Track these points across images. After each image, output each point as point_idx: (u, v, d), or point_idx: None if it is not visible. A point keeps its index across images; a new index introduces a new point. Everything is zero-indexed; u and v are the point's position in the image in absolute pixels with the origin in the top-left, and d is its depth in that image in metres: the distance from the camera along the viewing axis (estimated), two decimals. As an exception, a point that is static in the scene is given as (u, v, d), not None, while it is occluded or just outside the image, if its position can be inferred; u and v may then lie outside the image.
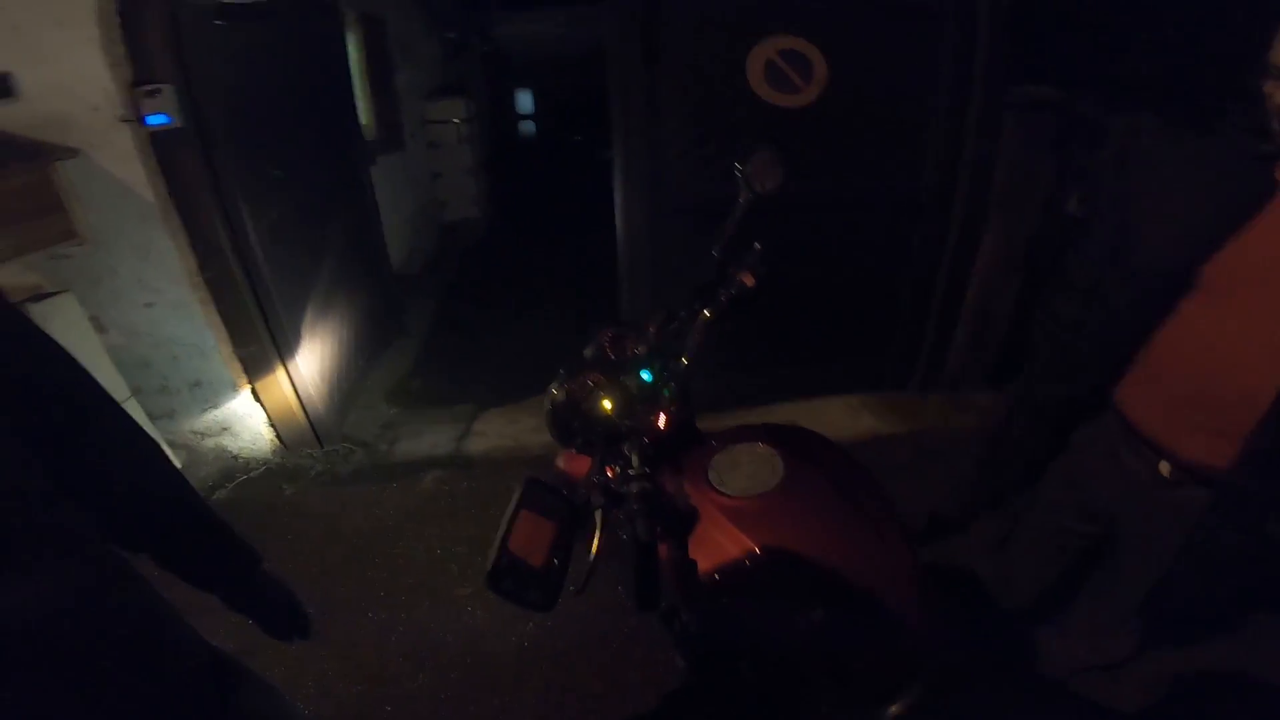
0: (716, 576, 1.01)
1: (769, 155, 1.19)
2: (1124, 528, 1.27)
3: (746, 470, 1.10)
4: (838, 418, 3.21)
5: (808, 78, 2.59)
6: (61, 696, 0.60)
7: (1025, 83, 2.74)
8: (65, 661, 0.61)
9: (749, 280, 1.16)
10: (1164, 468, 1.14)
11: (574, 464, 1.29)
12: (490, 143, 7.38)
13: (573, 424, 1.17)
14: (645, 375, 1.16)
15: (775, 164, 1.20)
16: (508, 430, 3.13)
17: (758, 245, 1.22)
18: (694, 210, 2.59)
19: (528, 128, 10.49)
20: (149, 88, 2.18)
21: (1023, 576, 1.48)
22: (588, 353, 1.22)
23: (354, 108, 3.74)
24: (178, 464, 2.71)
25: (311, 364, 2.88)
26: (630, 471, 0.98)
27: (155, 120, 2.22)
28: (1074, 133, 2.76)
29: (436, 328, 4.34)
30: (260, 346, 2.60)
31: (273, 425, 2.84)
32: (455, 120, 5.99)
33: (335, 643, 2.07)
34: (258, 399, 2.76)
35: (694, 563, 1.03)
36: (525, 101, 10.34)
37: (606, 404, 1.15)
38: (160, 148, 2.27)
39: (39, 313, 2.25)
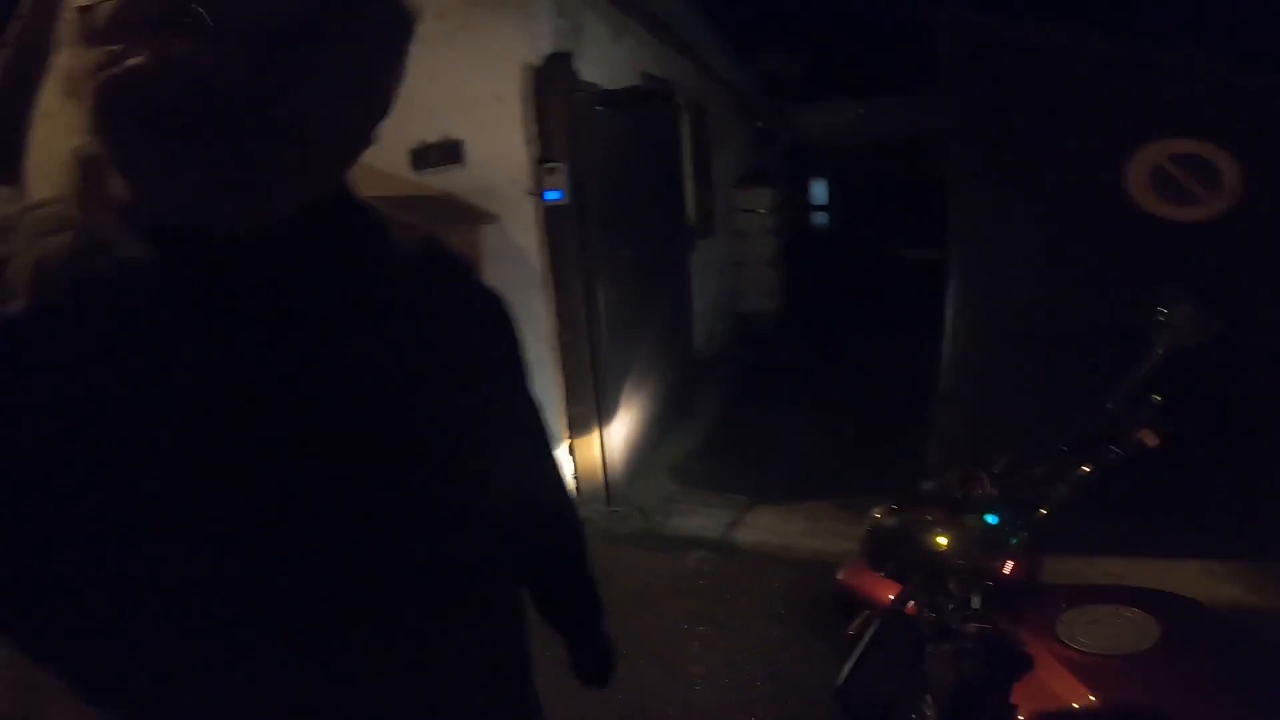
0: None
1: (1196, 308, 1.16)
2: None
3: (1107, 629, 1.07)
4: (1190, 582, 2.71)
5: (1213, 187, 2.37)
6: None
7: None
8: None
9: (1150, 440, 1.11)
10: None
11: (863, 582, 1.35)
12: (789, 234, 7.71)
13: (897, 551, 1.23)
14: (991, 519, 1.19)
15: (1205, 317, 1.16)
16: (778, 528, 3.24)
17: (1157, 398, 1.17)
18: (1045, 338, 2.44)
19: (820, 219, 10.72)
20: (550, 164, 2.72)
21: None
22: (926, 486, 1.29)
23: (683, 194, 4.23)
24: None
25: (620, 430, 3.32)
26: (969, 611, 1.02)
27: (551, 196, 2.74)
28: None
29: (722, 412, 4.67)
30: (586, 407, 3.08)
31: (575, 478, 3.31)
32: (761, 210, 6.38)
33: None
34: (570, 453, 3.24)
35: (1014, 708, 1.03)
36: (819, 192, 10.63)
37: (941, 540, 1.20)
38: (549, 221, 2.80)
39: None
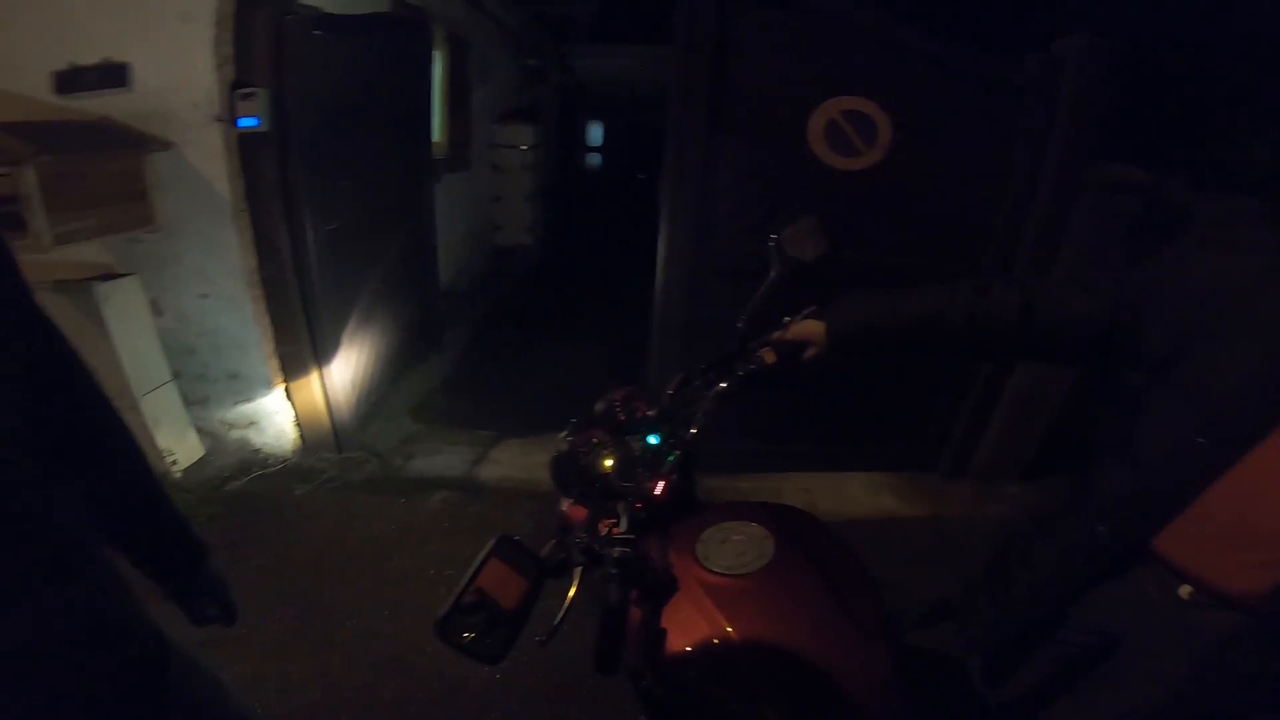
0: (685, 650, 1.02)
1: (812, 223, 1.20)
2: (1129, 646, 1.21)
3: (735, 548, 1.10)
4: (858, 494, 3.17)
5: (870, 141, 2.58)
6: None
7: (1107, 162, 2.66)
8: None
9: (770, 357, 1.17)
10: (1185, 591, 1.09)
11: (575, 512, 1.32)
12: (554, 172, 7.58)
13: (571, 477, 1.20)
14: (652, 439, 1.18)
15: (818, 232, 1.20)
16: (522, 462, 3.19)
17: (788, 319, 1.24)
18: (738, 274, 2.53)
19: (594, 160, 10.72)
20: (246, 90, 2.36)
21: (1012, 679, 1.42)
22: (598, 407, 1.26)
23: (430, 126, 3.91)
24: (202, 450, 2.88)
25: (345, 370, 3.01)
26: (615, 535, 1.00)
27: (245, 122, 2.39)
28: (1154, 218, 2.67)
29: (471, 349, 4.48)
30: (299, 347, 2.75)
31: (298, 425, 2.97)
32: (522, 146, 6.19)
33: (309, 646, 2.12)
34: (288, 398, 2.89)
35: (664, 632, 1.04)
36: (595, 134, 10.59)
37: (607, 462, 1.17)
38: (245, 149, 2.44)
39: (106, 292, 2.43)
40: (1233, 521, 1.03)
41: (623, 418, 1.22)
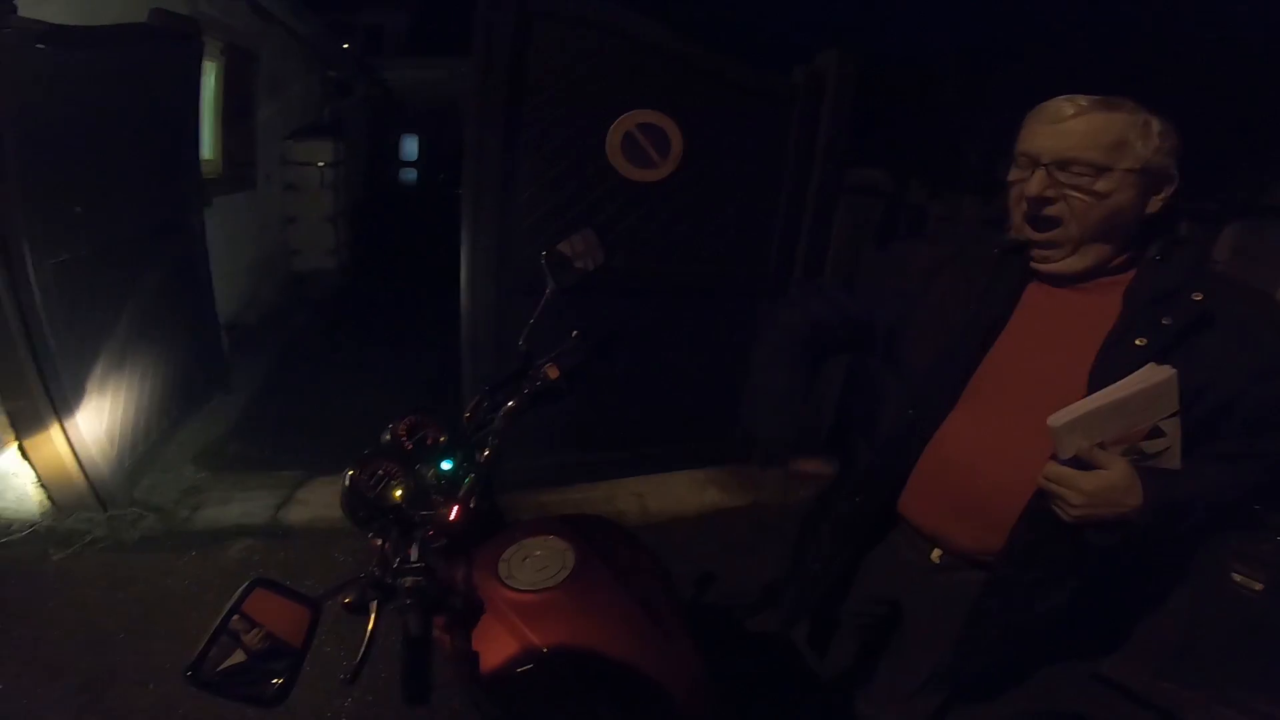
0: (501, 669, 1.00)
1: (588, 236, 1.23)
2: (906, 609, 1.35)
3: (536, 563, 1.09)
4: (684, 492, 3.27)
5: (664, 153, 2.66)
6: None
7: (859, 168, 2.95)
8: None
9: (553, 373, 1.19)
10: (935, 555, 1.23)
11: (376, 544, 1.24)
12: (362, 189, 7.13)
13: (360, 512, 1.12)
14: (446, 465, 1.14)
15: (594, 246, 1.23)
16: (335, 501, 2.89)
17: (575, 333, 1.26)
18: (541, 289, 2.57)
19: (409, 175, 10.23)
20: None
21: (833, 651, 1.57)
22: (384, 438, 1.19)
23: (195, 143, 3.49)
24: None
25: (97, 421, 2.56)
26: (407, 566, 0.95)
27: None
28: (897, 219, 3.02)
29: (267, 386, 4.02)
30: (30, 400, 2.29)
31: (43, 485, 2.49)
32: (320, 163, 5.75)
33: (107, 715, 1.86)
34: (25, 456, 2.41)
35: (477, 655, 1.01)
36: (410, 147, 10.11)
37: (396, 493, 1.11)
38: None
39: None
40: (954, 491, 1.17)
41: (409, 447, 1.16)
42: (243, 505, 2.84)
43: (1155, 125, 0.98)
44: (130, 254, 2.84)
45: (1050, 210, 1.01)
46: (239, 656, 0.79)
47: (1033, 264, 1.09)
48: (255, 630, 0.81)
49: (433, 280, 6.02)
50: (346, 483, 1.11)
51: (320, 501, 2.91)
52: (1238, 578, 1.97)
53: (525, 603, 1.03)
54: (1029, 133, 1.04)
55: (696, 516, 3.09)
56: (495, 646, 1.01)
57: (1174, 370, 0.91)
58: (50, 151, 2.29)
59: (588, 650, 1.00)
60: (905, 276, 1.24)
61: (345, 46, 7.41)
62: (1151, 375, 0.91)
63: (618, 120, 2.59)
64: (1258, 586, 1.95)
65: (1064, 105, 1.00)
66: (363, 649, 0.87)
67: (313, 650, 0.82)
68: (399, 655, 0.90)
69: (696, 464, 3.41)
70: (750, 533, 2.99)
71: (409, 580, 0.92)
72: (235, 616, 0.80)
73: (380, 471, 1.12)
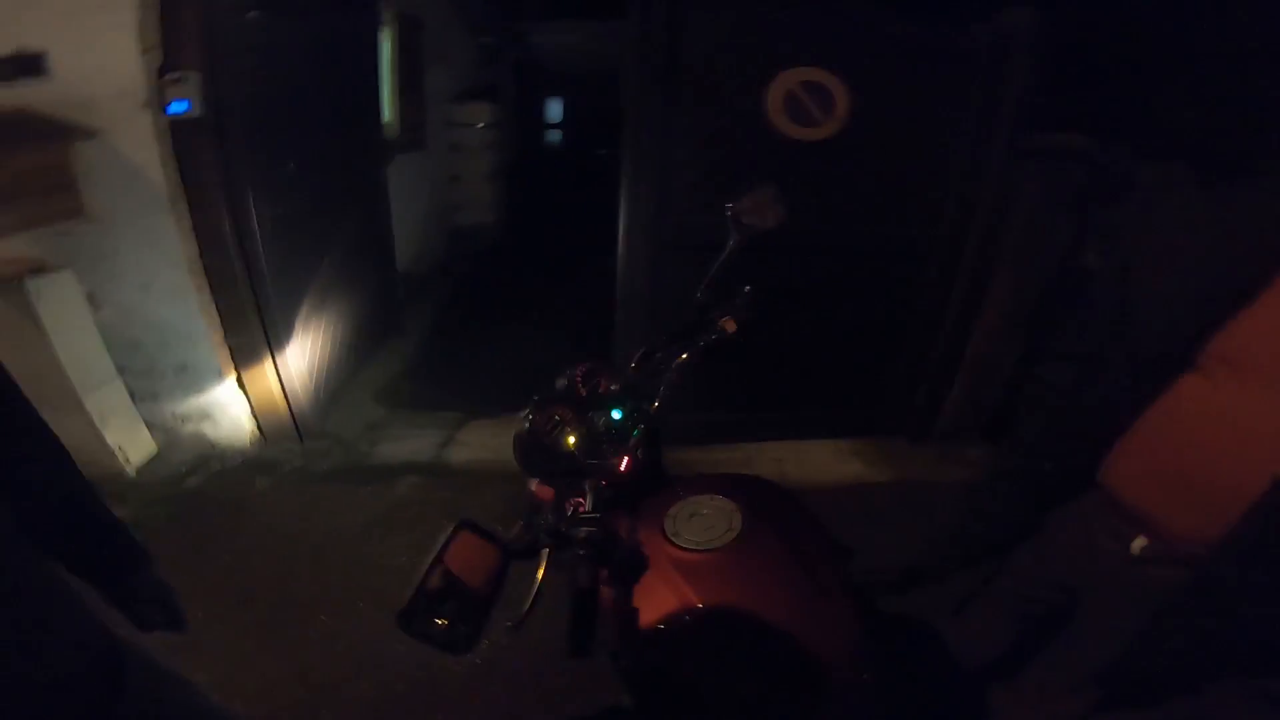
0: (658, 628, 0.99)
1: (770, 192, 1.18)
2: (1088, 600, 1.24)
3: (703, 522, 1.08)
4: (826, 461, 3.17)
5: (828, 111, 2.54)
6: None
7: (1051, 130, 2.67)
8: None
9: (730, 326, 1.15)
10: (1137, 545, 1.11)
11: (543, 492, 1.28)
12: (514, 150, 7.39)
13: (535, 457, 1.15)
14: (616, 414, 1.14)
15: (775, 202, 1.18)
16: (491, 443, 3.11)
17: (748, 289, 1.22)
18: (700, 246, 2.54)
19: (554, 137, 10.52)
20: (174, 75, 2.21)
21: (982, 638, 1.46)
22: (559, 384, 1.21)
23: (379, 106, 3.76)
24: (156, 447, 2.75)
25: (301, 357, 2.88)
26: (581, 515, 0.96)
27: (176, 108, 2.25)
28: (1098, 184, 2.69)
29: (435, 331, 4.35)
30: (250, 336, 2.61)
31: (254, 416, 2.84)
32: (479, 124, 6.02)
33: (282, 644, 2.05)
34: (242, 388, 2.76)
35: (636, 611, 1.01)
36: (554, 110, 10.37)
37: (570, 440, 1.12)
38: (177, 135, 2.29)
39: (38, 288, 2.27)
40: (1174, 464, 1.05)
41: (584, 393, 1.17)
42: (412, 443, 3.10)
43: None
44: (329, 207, 3.14)
45: None
46: (439, 601, 0.82)
47: None
48: (454, 575, 0.84)
49: (582, 237, 6.24)
50: (526, 425, 1.13)
51: (478, 443, 3.11)
52: None
53: (691, 561, 1.02)
54: None
55: (836, 487, 2.99)
56: (656, 603, 1.00)
57: None
58: (265, 112, 2.52)
59: (750, 614, 0.98)
60: (1149, 234, 1.13)
61: (500, 15, 7.67)
62: None
63: (779, 77, 2.49)
64: None
65: None
66: (531, 597, 0.87)
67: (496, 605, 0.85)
68: (565, 606, 0.91)
69: (842, 433, 3.29)
70: (893, 509, 2.85)
71: (583, 530, 0.93)
72: (441, 561, 0.83)
73: (556, 417, 1.13)
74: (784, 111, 2.52)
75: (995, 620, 1.42)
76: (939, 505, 2.76)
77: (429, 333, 4.32)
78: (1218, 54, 2.47)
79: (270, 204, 2.58)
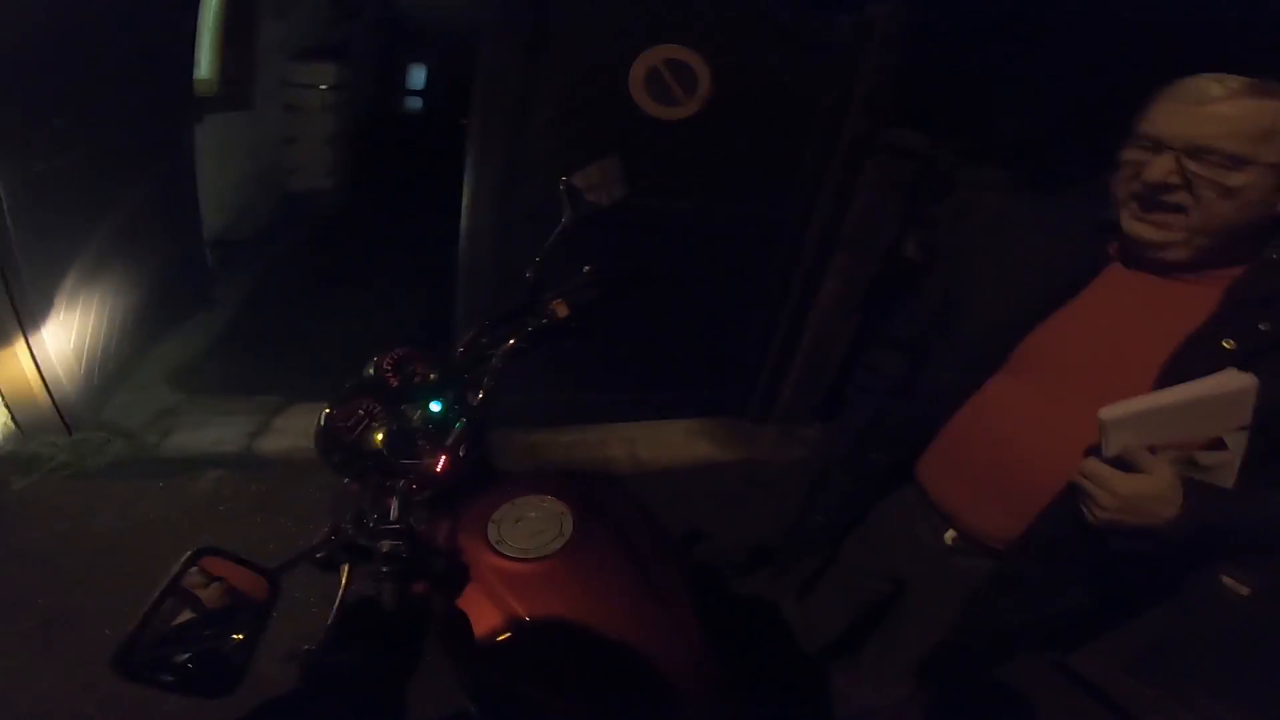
0: (488, 643, 0.90)
1: (612, 165, 1.11)
2: (911, 589, 1.29)
3: (530, 527, 0.97)
4: (678, 441, 3.17)
5: (690, 91, 2.50)
6: None
7: (895, 128, 2.79)
8: None
9: (562, 310, 1.06)
10: (949, 536, 1.15)
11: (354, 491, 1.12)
12: (366, 114, 6.85)
13: (337, 454, 0.98)
14: (435, 406, 1.01)
15: (617, 176, 1.10)
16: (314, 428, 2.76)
17: (587, 269, 1.13)
18: (555, 217, 2.43)
19: (415, 104, 9.95)
20: None
21: (822, 622, 1.50)
22: (367, 372, 1.04)
23: (190, 61, 3.25)
24: None
25: (64, 336, 2.38)
26: (384, 525, 0.83)
27: None
28: (926, 182, 2.86)
29: (252, 304, 3.80)
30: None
31: (6, 406, 2.32)
32: (322, 86, 5.50)
33: (60, 657, 1.74)
34: (-17, 374, 2.23)
35: (464, 625, 0.91)
36: (417, 77, 9.80)
37: (378, 436, 0.98)
38: None
39: None
40: (978, 465, 1.09)
41: (396, 383, 1.01)
42: (217, 431, 2.68)
43: None
44: (114, 167, 2.63)
45: (1171, 198, 0.88)
46: (180, 638, 0.67)
47: (1134, 248, 0.97)
48: (199, 608, 0.68)
49: (433, 208, 5.82)
50: (321, 421, 0.99)
51: (299, 430, 2.74)
52: (1227, 581, 1.93)
53: (516, 572, 0.92)
54: (1161, 112, 0.89)
55: (687, 467, 3.00)
56: (484, 618, 0.91)
57: (1255, 379, 0.81)
58: (27, 61, 2.07)
59: (582, 626, 0.90)
60: (982, 233, 1.19)
61: None
62: (1229, 381, 0.82)
63: (643, 54, 2.40)
64: (1244, 591, 1.91)
65: (1211, 85, 0.84)
66: (331, 618, 0.77)
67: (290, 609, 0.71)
68: (382, 618, 0.81)
69: (691, 413, 3.31)
70: (742, 489, 2.91)
71: (385, 544, 0.81)
72: (175, 593, 0.68)
73: (361, 411, 0.98)
74: (647, 89, 2.44)
75: (834, 605, 1.45)
76: (781, 485, 2.85)
77: (243, 306, 3.75)
78: (1051, 67, 2.70)
79: (26, 160, 2.10)
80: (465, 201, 2.46)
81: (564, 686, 0.92)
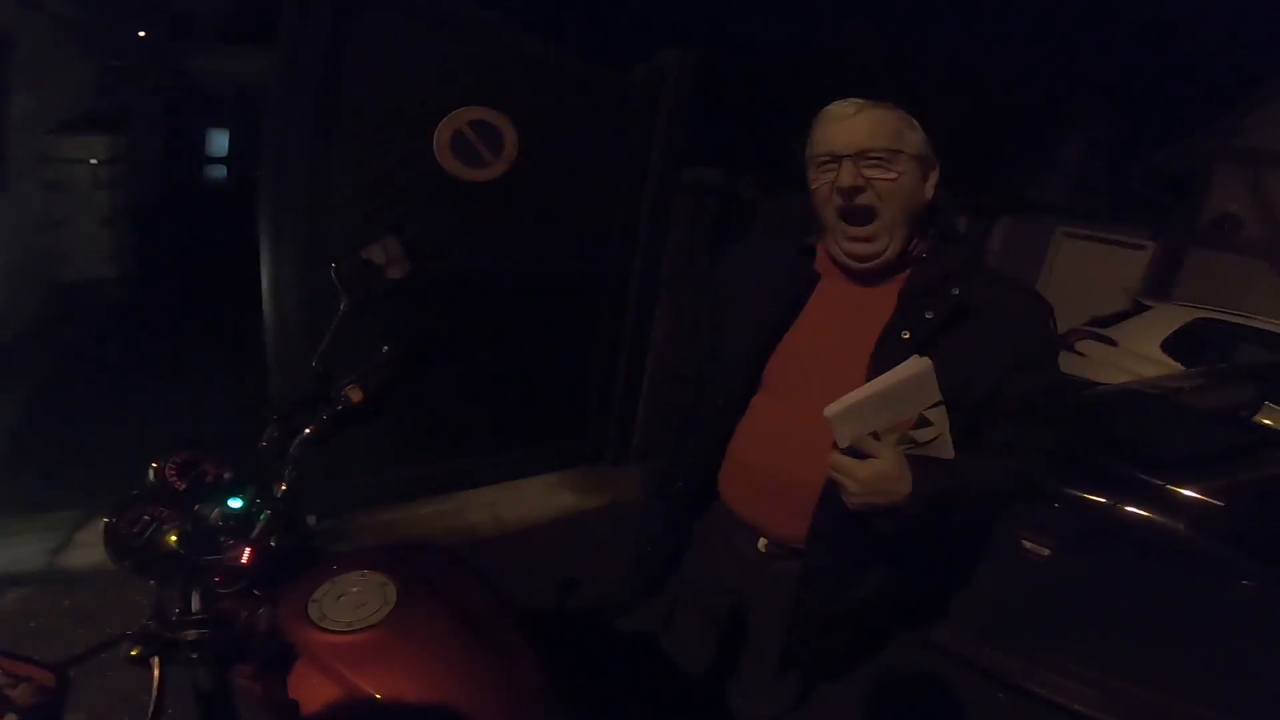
0: (324, 716, 0.92)
1: (394, 244, 1.13)
2: (745, 598, 1.37)
3: (353, 600, 1.00)
4: (538, 497, 3.19)
5: (497, 152, 2.56)
6: None
7: (693, 165, 3.03)
8: None
9: (356, 395, 1.08)
10: (762, 544, 1.26)
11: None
12: (153, 188, 6.29)
13: (130, 560, 0.95)
14: (235, 503, 1.00)
15: (399, 254, 1.13)
16: (122, 543, 2.48)
17: (386, 348, 1.16)
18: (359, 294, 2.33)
19: (218, 173, 9.21)
20: None
21: (691, 645, 1.54)
22: (149, 480, 1.01)
23: None
24: None
25: None
26: (187, 617, 0.85)
27: None
28: (732, 214, 3.11)
29: (30, 416, 3.37)
30: None
31: None
32: (93, 160, 5.03)
33: None
34: None
35: (295, 704, 0.93)
36: (219, 142, 9.09)
37: (171, 539, 0.95)
38: None
39: None
40: (760, 478, 1.22)
41: (181, 487, 0.99)
42: (12, 552, 2.39)
43: (911, 118, 1.08)
44: None
45: (862, 199, 1.07)
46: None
47: (847, 265, 1.14)
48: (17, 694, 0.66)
49: (240, 289, 5.40)
50: (104, 532, 0.94)
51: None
52: (1027, 545, 2.15)
53: (343, 645, 0.95)
54: (823, 134, 1.10)
55: (553, 521, 3.03)
56: (315, 695, 0.93)
57: (930, 361, 0.94)
58: None
59: (420, 688, 0.94)
60: (731, 267, 1.33)
61: (141, 34, 6.48)
62: (912, 367, 0.94)
63: (447, 117, 2.45)
64: (1045, 552, 2.13)
65: (845, 106, 1.08)
66: (150, 710, 0.79)
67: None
68: (197, 709, 0.84)
69: (549, 468, 3.35)
70: (610, 532, 2.98)
71: (190, 634, 0.83)
72: None
73: (145, 517, 0.95)
74: (452, 152, 2.48)
75: (695, 626, 1.50)
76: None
77: (21, 418, 3.32)
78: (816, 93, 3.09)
79: None
80: (265, 285, 2.36)
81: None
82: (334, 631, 0.95)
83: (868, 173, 1.05)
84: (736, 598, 1.39)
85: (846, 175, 1.06)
